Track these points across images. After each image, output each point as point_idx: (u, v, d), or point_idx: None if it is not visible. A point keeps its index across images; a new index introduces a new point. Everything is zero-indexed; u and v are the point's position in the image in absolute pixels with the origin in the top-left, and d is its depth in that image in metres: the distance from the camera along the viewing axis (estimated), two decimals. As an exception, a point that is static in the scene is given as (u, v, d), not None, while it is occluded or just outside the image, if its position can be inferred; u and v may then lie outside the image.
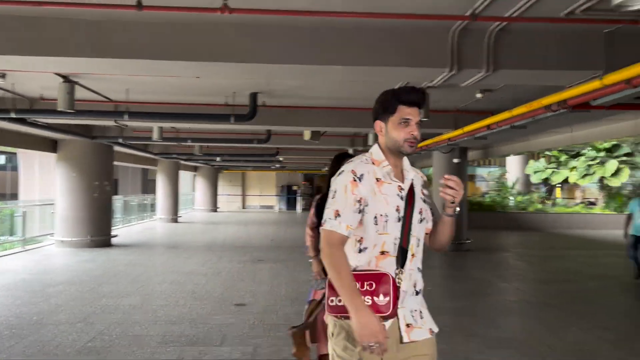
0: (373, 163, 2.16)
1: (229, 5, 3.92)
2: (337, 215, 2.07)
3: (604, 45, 4.81)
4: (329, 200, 2.12)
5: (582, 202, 29.13)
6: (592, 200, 30.41)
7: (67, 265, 10.58)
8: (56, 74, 6.61)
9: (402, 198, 2.14)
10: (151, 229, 19.62)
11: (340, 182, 2.11)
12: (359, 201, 2.08)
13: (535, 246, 15.70)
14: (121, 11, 4.28)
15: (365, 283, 2.04)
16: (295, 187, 34.66)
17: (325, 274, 3.01)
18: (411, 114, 2.09)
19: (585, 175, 25.86)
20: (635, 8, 2.98)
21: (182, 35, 4.72)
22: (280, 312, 6.60)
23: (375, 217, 2.08)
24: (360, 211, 2.08)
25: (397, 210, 2.11)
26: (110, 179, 13.90)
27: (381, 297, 2.02)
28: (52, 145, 13.40)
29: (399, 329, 2.08)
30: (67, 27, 4.70)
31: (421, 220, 2.19)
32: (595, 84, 4.87)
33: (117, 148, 14.54)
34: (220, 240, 15.65)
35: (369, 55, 4.99)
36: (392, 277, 2.04)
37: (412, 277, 2.13)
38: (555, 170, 27.79)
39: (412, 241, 2.14)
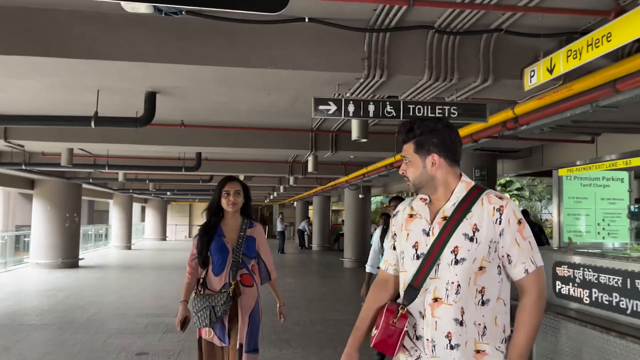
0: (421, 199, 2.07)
1: (184, 122, 7.50)
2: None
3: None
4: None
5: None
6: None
7: (48, 279, 13.42)
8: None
9: (428, 234, 1.94)
10: (109, 255, 22.34)
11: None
12: (394, 237, 2.09)
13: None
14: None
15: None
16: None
17: (183, 325, 3.34)
18: (403, 151, 2.04)
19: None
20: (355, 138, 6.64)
21: (154, 131, 8.26)
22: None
23: (399, 254, 2.04)
24: (395, 247, 2.07)
25: (415, 246, 1.96)
26: (78, 212, 16.81)
27: (374, 329, 1.97)
28: (30, 184, 16.25)
29: None
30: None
31: (456, 262, 1.87)
32: (391, 159, 8.74)
33: (84, 185, 17.49)
34: (170, 263, 18.69)
35: (268, 142, 8.69)
36: (390, 309, 1.95)
37: (438, 326, 1.88)
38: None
39: (437, 284, 1.88)
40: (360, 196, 17.76)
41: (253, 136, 8.42)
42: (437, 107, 4.24)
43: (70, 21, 3.85)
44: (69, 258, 16.18)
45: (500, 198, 1.93)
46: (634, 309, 3.22)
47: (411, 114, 4.16)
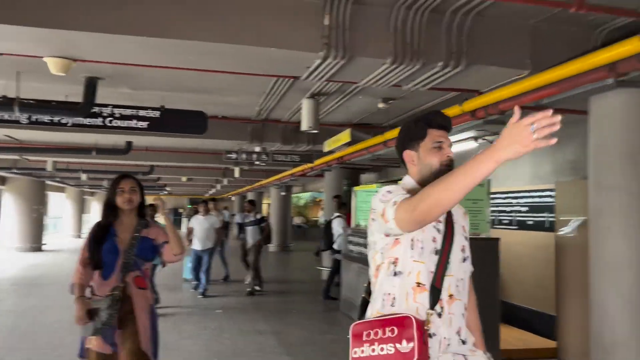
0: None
1: (148, 148, 11.34)
2: (394, 201, 1.86)
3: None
4: (382, 210, 1.91)
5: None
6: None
7: (27, 258, 16.58)
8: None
9: (438, 230, 1.97)
10: (64, 242, 25.20)
11: (382, 191, 1.99)
12: None
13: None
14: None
15: (387, 329, 1.83)
16: (180, 210, 40.40)
17: (90, 317, 3.03)
18: (442, 136, 2.00)
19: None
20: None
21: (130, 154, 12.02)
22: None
23: (412, 240, 1.92)
24: None
25: (434, 241, 1.94)
26: (43, 204, 19.95)
27: (404, 343, 1.78)
28: (1, 180, 19.24)
29: None
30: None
31: (464, 260, 2.01)
32: (290, 171, 12.90)
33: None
34: (121, 248, 22.00)
35: (205, 159, 12.65)
36: (418, 320, 1.82)
37: (453, 323, 1.93)
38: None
39: (450, 281, 1.94)
40: (282, 193, 21.93)
41: (194, 156, 12.39)
42: (290, 155, 8.56)
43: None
44: (36, 243, 19.33)
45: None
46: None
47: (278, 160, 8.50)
